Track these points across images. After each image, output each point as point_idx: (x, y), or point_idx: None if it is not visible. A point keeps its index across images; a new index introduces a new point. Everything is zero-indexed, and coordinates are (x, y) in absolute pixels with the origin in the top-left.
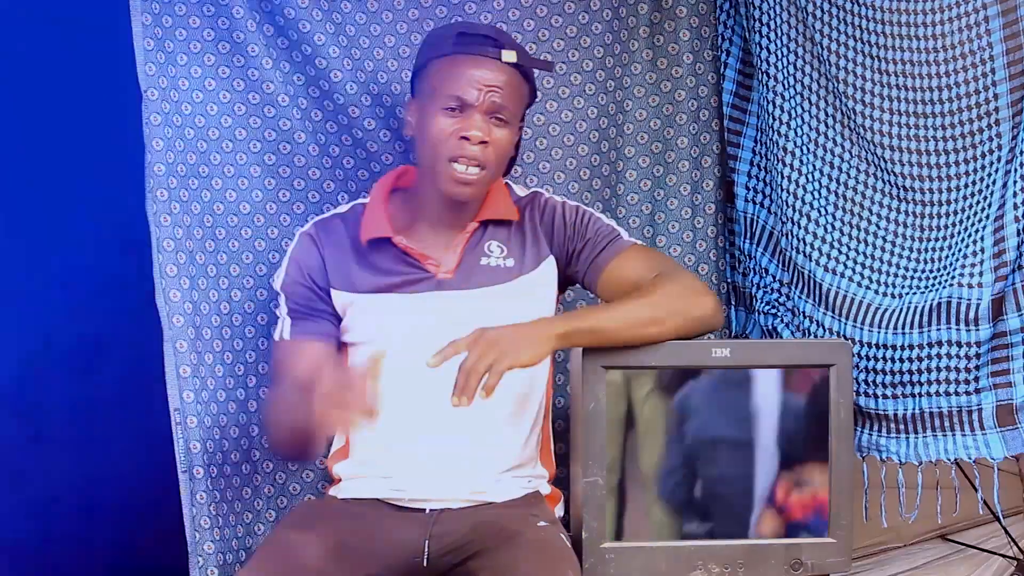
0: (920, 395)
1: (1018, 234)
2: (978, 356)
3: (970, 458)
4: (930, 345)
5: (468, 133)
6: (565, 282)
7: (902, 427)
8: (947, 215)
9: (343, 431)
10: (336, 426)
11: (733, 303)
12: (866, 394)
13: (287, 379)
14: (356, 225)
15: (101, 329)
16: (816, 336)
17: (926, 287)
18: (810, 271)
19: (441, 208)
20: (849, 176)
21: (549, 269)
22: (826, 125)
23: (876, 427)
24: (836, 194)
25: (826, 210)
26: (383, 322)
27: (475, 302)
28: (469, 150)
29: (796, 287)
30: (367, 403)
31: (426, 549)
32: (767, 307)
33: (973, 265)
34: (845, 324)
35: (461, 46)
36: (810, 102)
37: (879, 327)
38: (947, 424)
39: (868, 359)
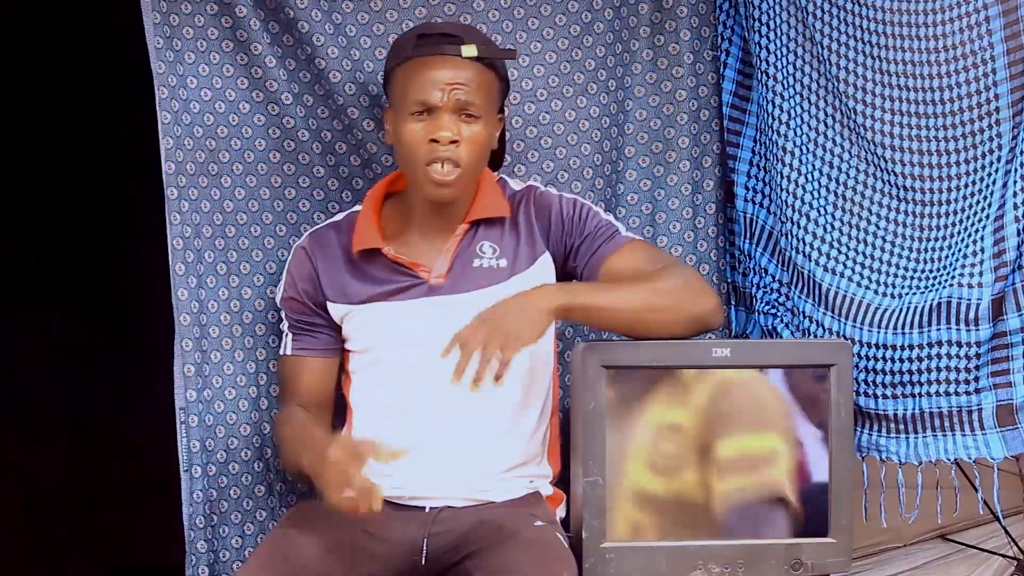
0: (920, 395)
1: (1018, 234)
2: (978, 356)
3: (970, 458)
4: (930, 345)
5: (437, 135)
6: (564, 279)
7: (902, 427)
8: (947, 215)
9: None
10: (336, 503)
11: (733, 303)
12: (866, 394)
13: (293, 398)
14: (349, 235)
15: None
16: (816, 336)
17: (926, 287)
18: (810, 271)
19: (429, 212)
20: (849, 176)
21: (545, 266)
22: (826, 125)
23: (876, 427)
24: (836, 194)
25: (825, 210)
26: (378, 330)
27: (468, 305)
28: (441, 152)
29: (796, 287)
30: (366, 489)
31: (425, 548)
32: (767, 307)
33: (973, 265)
34: (845, 324)
35: (421, 48)
36: (810, 102)
37: (879, 327)
38: (947, 424)
39: (868, 359)
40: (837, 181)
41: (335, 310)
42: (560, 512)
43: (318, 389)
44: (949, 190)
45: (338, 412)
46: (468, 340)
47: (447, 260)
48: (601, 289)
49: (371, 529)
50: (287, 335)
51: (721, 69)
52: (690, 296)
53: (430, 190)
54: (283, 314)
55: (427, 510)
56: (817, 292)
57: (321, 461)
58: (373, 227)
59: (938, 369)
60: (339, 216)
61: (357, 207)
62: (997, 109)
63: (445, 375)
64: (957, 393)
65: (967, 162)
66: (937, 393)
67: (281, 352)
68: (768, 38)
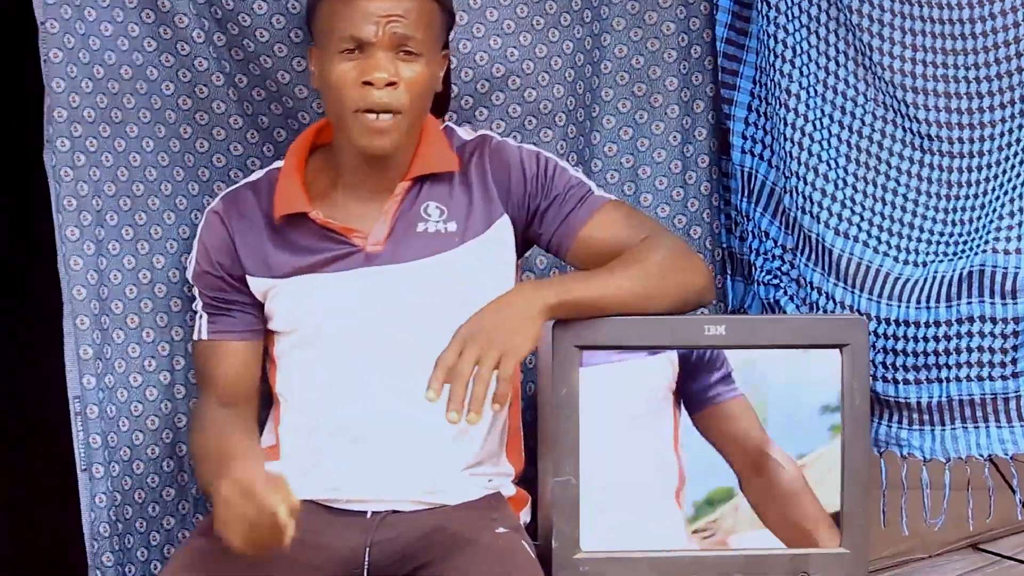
0: (948, 380)
1: None
2: (1016, 334)
3: (1006, 454)
4: (959, 321)
5: (370, 77)
6: (524, 246)
7: (927, 417)
8: (979, 168)
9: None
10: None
11: (729, 272)
12: (884, 379)
13: (209, 389)
14: (270, 197)
15: None
16: (826, 311)
17: (955, 253)
18: (818, 235)
19: (362, 168)
20: (864, 123)
21: (503, 231)
22: (837, 63)
23: (896, 417)
24: (848, 144)
25: (837, 163)
26: (307, 307)
27: (411, 277)
28: (375, 97)
29: (802, 253)
30: (276, 542)
31: (367, 558)
32: (768, 277)
33: (1010, 228)
34: (860, 297)
35: None
36: (818, 36)
37: (900, 300)
38: (980, 414)
39: (887, 338)
40: (850, 129)
41: (256, 285)
42: (524, 516)
43: (240, 379)
44: (981, 139)
45: (266, 405)
46: (458, 365)
47: (386, 224)
48: (588, 280)
49: (303, 537)
50: (201, 316)
51: None
52: (680, 273)
53: (364, 141)
54: (196, 292)
55: (369, 515)
56: (827, 259)
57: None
58: (297, 187)
59: (969, 350)
60: (257, 175)
61: (278, 163)
62: None
63: (387, 358)
64: (992, 378)
65: (1002, 107)
66: (968, 378)
67: (195, 337)
68: None
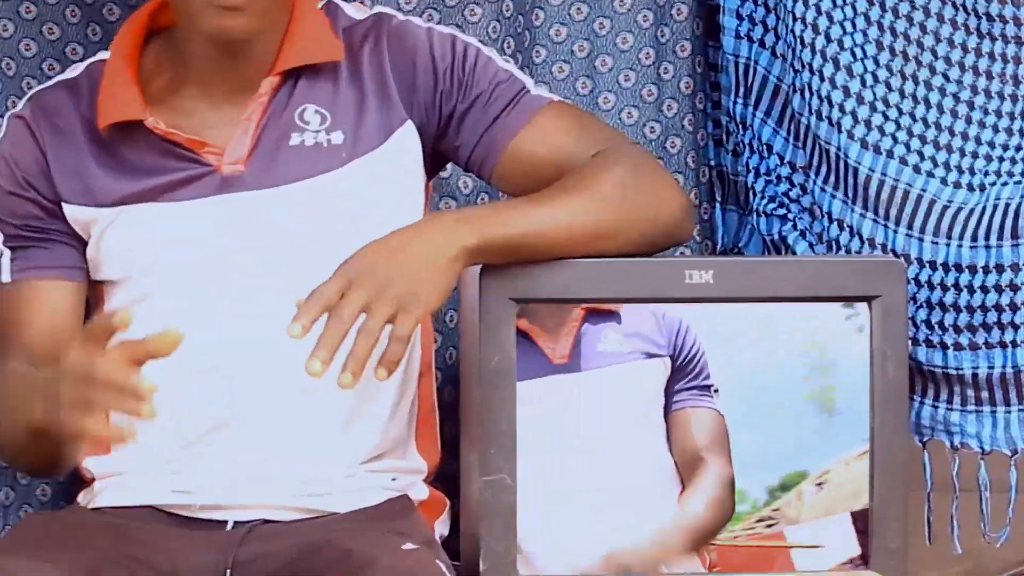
0: (1015, 344)
1: None
2: None
3: None
4: None
5: None
6: (436, 161)
7: (986, 395)
8: None
9: (100, 442)
10: (87, 432)
11: (719, 199)
12: (929, 343)
13: (15, 348)
14: (93, 98)
15: None
16: (850, 251)
17: (1022, 173)
18: (840, 148)
19: (214, 60)
20: None
21: (407, 142)
22: None
23: (945, 395)
24: (880, 27)
25: (864, 52)
26: (144, 248)
27: (282, 206)
28: None
29: (817, 174)
30: (136, 400)
31: None
32: (772, 206)
33: None
34: (896, 232)
35: None
36: None
37: (949, 237)
38: None
39: (932, 287)
40: (882, 6)
41: (75, 215)
42: (441, 528)
43: (58, 330)
44: None
45: None
46: (340, 305)
47: (248, 136)
48: (521, 211)
49: (142, 557)
50: (2, 254)
51: None
52: (647, 200)
53: (211, 23)
54: None
55: (230, 526)
56: (851, 181)
57: (56, 379)
58: (129, 86)
59: None
60: (76, 69)
61: (104, 54)
62: None
63: (250, 288)
64: None
65: None
66: None
67: None
68: None
